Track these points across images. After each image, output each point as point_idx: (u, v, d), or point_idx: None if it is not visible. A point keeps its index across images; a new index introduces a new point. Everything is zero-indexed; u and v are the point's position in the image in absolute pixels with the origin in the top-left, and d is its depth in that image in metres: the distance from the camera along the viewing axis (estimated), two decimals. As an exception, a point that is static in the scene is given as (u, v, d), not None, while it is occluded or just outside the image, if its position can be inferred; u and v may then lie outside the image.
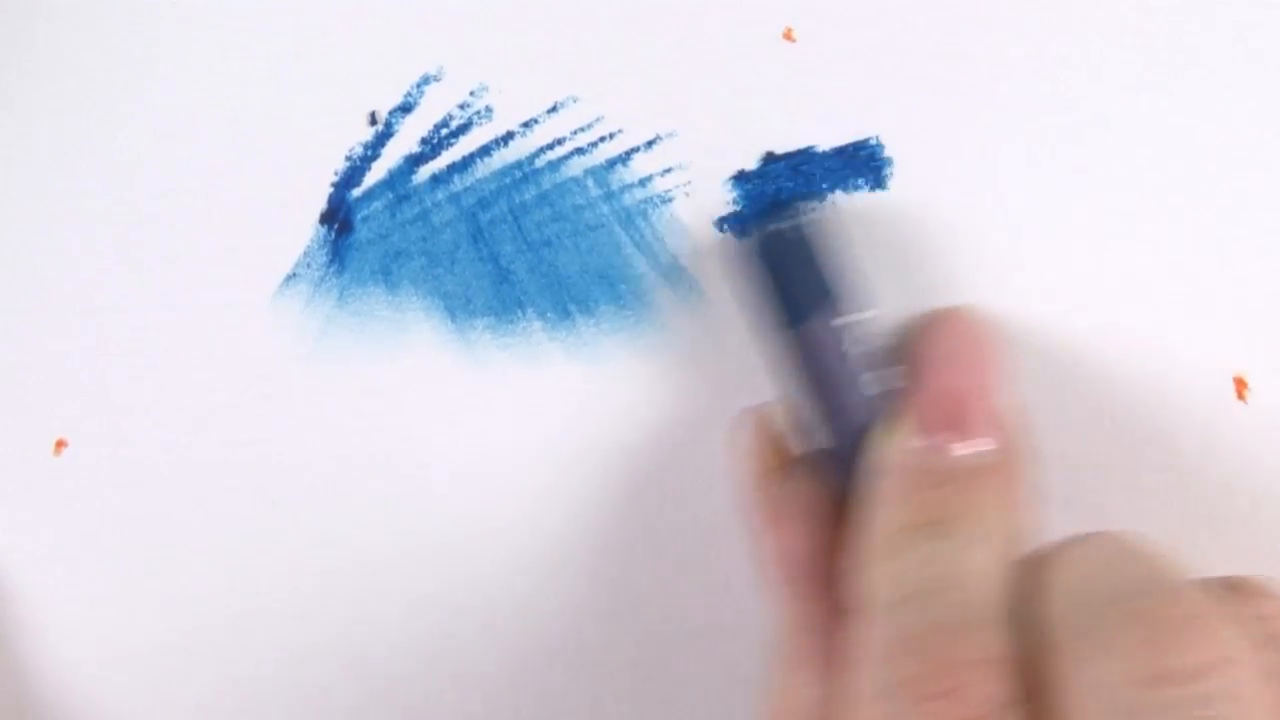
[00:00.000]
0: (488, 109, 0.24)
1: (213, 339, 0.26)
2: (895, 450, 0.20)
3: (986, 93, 0.23)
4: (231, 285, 0.26)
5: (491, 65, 0.24)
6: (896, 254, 0.23)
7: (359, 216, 0.25)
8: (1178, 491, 0.23)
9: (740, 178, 0.23)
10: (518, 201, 0.24)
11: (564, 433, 0.25)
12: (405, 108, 0.25)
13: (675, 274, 0.24)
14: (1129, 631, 0.15)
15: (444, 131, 0.25)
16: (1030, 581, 0.17)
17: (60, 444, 0.27)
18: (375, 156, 0.25)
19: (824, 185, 0.23)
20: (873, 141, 0.23)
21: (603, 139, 0.24)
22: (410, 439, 0.25)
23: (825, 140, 0.23)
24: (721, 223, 0.24)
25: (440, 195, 0.25)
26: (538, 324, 0.25)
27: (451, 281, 0.25)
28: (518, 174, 0.24)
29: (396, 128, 0.25)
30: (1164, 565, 0.17)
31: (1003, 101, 0.22)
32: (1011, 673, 0.16)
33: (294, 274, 0.26)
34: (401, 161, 0.25)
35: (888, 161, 0.23)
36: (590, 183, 0.24)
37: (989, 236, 0.23)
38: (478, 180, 0.25)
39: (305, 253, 0.25)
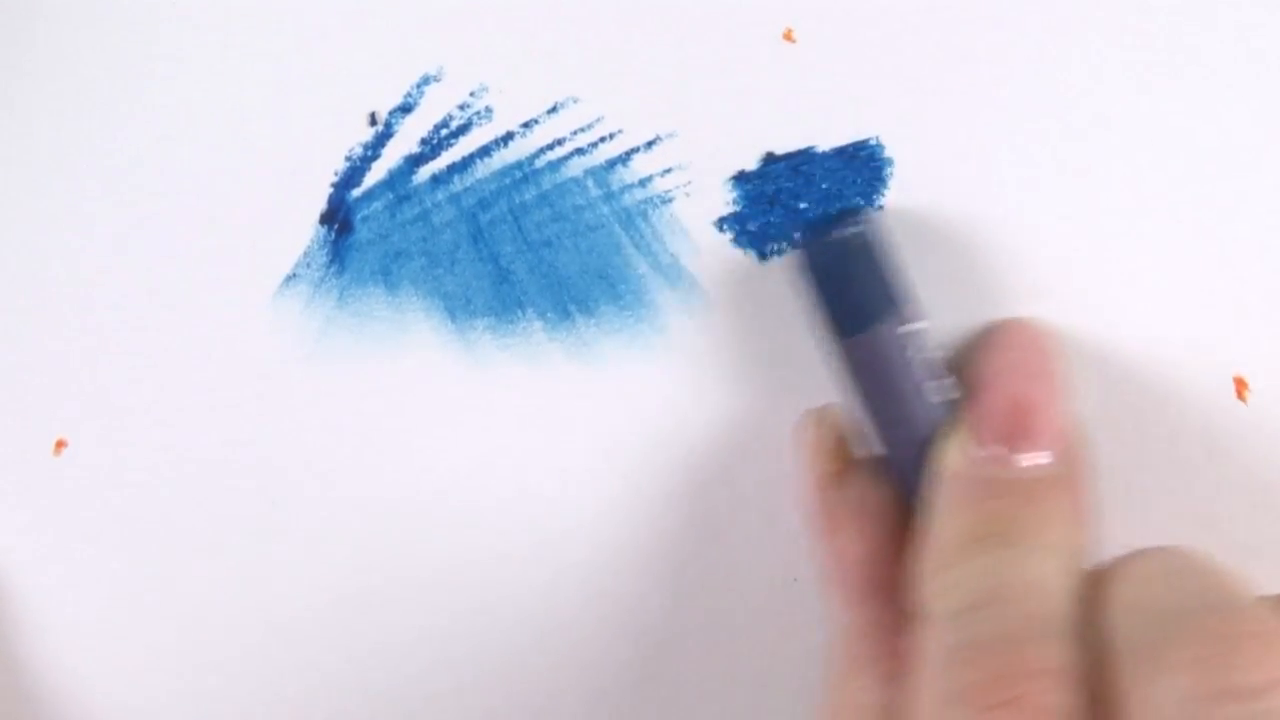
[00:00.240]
0: (488, 109, 0.24)
1: (213, 339, 0.26)
2: (959, 459, 0.20)
3: (987, 93, 0.23)
4: (231, 285, 0.26)
5: (491, 65, 0.24)
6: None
7: (359, 217, 0.25)
8: (1178, 491, 0.23)
9: (740, 178, 0.23)
10: (518, 202, 0.24)
11: (564, 433, 0.25)
12: (405, 108, 0.25)
13: (675, 274, 0.24)
14: (1193, 647, 0.15)
15: (444, 132, 0.25)
16: (1093, 595, 0.17)
17: (60, 444, 0.27)
18: (375, 157, 0.25)
19: (824, 185, 0.23)
20: (873, 142, 0.23)
21: (603, 139, 0.24)
22: (410, 439, 0.25)
23: (825, 140, 0.23)
24: (721, 223, 0.24)
25: (440, 196, 0.25)
26: (538, 324, 0.25)
27: (451, 282, 0.25)
28: (518, 174, 0.24)
29: (396, 128, 0.25)
30: (1228, 581, 0.17)
31: (1003, 102, 0.22)
32: (1074, 685, 0.16)
33: (294, 274, 0.26)
34: (401, 162, 0.25)
35: (888, 162, 0.23)
36: (590, 183, 0.24)
37: (988, 236, 0.23)
38: (478, 180, 0.25)
39: (305, 253, 0.25)
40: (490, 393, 0.25)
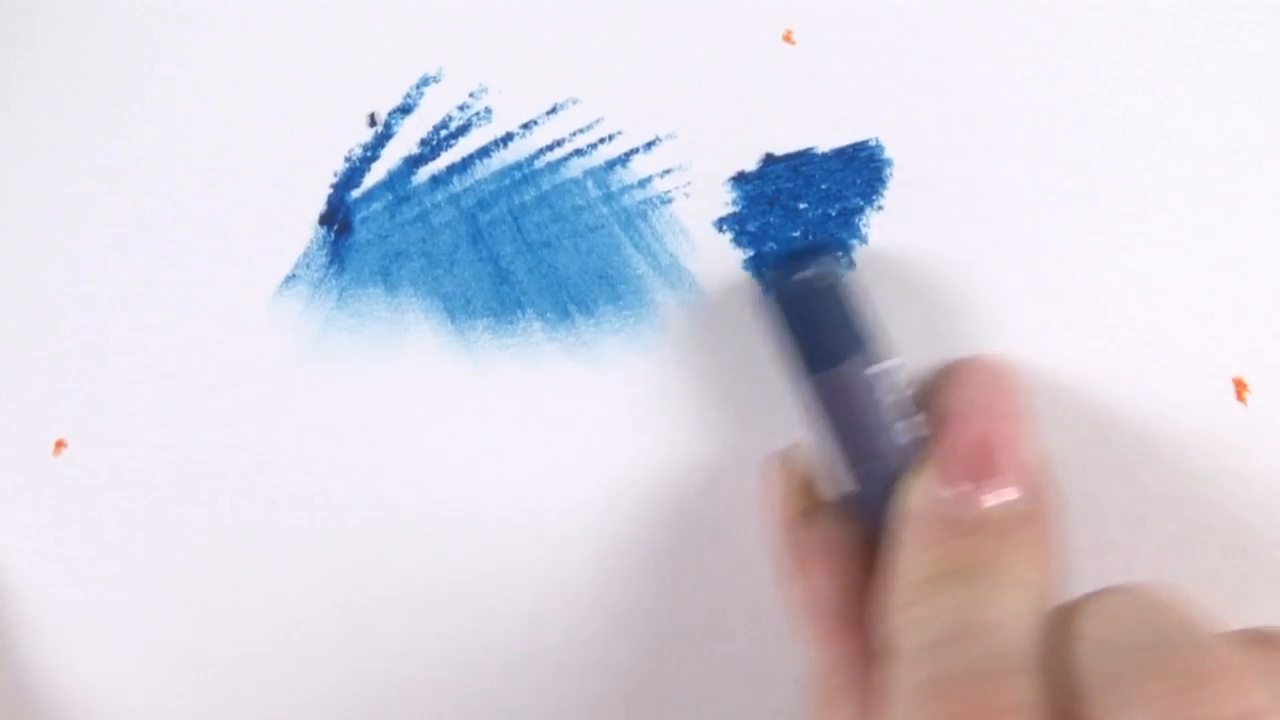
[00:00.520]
0: (487, 110, 0.24)
1: (212, 339, 0.26)
2: (923, 498, 0.20)
3: (986, 94, 0.22)
4: (231, 286, 0.26)
5: (491, 66, 0.24)
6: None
7: (358, 218, 0.25)
8: (1178, 492, 0.23)
9: (740, 179, 0.23)
10: (517, 203, 0.24)
11: (564, 433, 0.25)
12: (404, 109, 0.25)
13: (675, 274, 0.24)
14: (1159, 683, 0.15)
15: (443, 133, 0.25)
16: (1060, 631, 0.18)
17: (60, 444, 0.27)
18: (374, 158, 0.25)
19: (823, 186, 0.23)
20: (872, 143, 0.23)
21: (602, 140, 0.24)
22: (410, 440, 0.25)
23: (825, 141, 0.23)
24: (721, 223, 0.24)
25: (440, 196, 0.25)
26: (538, 324, 0.25)
27: (451, 282, 0.25)
28: (517, 175, 0.24)
29: (396, 129, 0.25)
30: (1193, 618, 0.17)
31: (1002, 103, 0.22)
32: None
33: (293, 275, 0.26)
34: (401, 163, 0.25)
35: (888, 163, 0.23)
36: (590, 184, 0.24)
37: (988, 237, 0.23)
38: (477, 181, 0.25)
39: (305, 254, 0.25)
40: (490, 393, 0.25)
